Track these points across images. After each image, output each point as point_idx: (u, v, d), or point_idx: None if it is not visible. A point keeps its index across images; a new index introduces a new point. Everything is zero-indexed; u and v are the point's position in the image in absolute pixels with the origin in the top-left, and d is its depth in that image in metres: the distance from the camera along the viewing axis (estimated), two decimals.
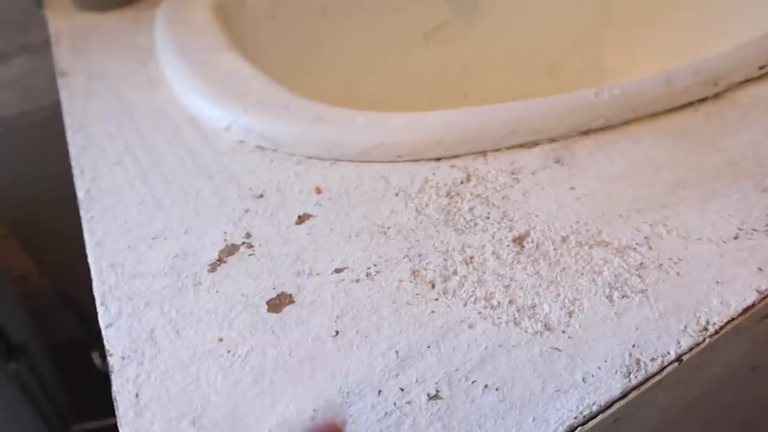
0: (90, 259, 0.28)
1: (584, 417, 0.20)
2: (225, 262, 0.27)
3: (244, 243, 0.28)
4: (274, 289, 0.26)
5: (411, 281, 0.25)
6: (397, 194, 0.29)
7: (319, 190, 0.30)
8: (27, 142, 0.70)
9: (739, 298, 0.24)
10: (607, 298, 0.24)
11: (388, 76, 0.59)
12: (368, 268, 0.26)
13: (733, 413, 0.33)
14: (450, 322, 0.24)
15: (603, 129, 0.32)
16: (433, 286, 0.25)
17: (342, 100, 0.35)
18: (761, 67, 0.34)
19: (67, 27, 0.49)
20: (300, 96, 0.35)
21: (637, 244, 0.26)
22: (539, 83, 0.63)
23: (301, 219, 0.29)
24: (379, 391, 0.22)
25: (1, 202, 0.74)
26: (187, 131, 0.35)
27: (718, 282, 0.24)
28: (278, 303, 0.25)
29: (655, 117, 0.33)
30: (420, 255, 0.26)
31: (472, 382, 0.21)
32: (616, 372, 0.22)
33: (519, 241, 0.27)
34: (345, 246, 0.27)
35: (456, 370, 0.22)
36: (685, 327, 0.23)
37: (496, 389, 0.21)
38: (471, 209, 0.28)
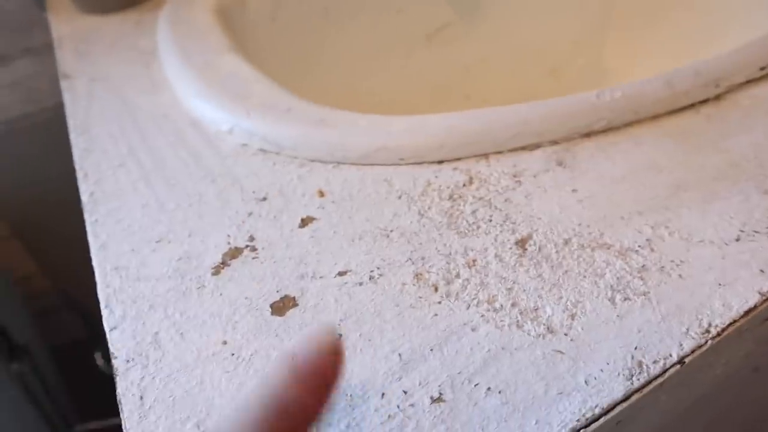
0: (94, 262, 0.28)
1: (587, 419, 0.21)
2: (228, 265, 0.27)
3: (247, 246, 0.28)
4: (277, 292, 0.26)
5: (414, 284, 0.25)
6: (399, 197, 0.30)
7: (322, 193, 0.30)
8: (29, 144, 0.70)
9: (740, 300, 0.24)
10: (609, 300, 0.24)
11: (390, 77, 0.59)
12: (371, 271, 0.26)
13: (735, 414, 0.33)
14: (453, 325, 0.24)
15: (604, 131, 0.32)
16: (436, 289, 0.25)
17: (344, 101, 0.35)
18: (762, 68, 0.34)
19: (70, 29, 0.49)
20: (302, 98, 0.35)
21: (639, 246, 0.26)
22: (541, 84, 0.63)
23: (305, 222, 0.29)
24: (383, 394, 0.22)
25: (3, 204, 0.74)
26: (190, 134, 0.35)
27: (720, 284, 0.24)
28: (282, 306, 0.25)
29: (657, 119, 0.33)
30: (423, 258, 0.26)
31: (475, 385, 0.22)
32: (619, 374, 0.22)
33: (521, 243, 0.27)
34: (348, 249, 0.27)
35: (459, 372, 0.22)
36: (687, 329, 0.23)
37: (499, 392, 0.21)
38: (473, 212, 0.28)
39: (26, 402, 0.63)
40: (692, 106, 0.34)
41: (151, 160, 0.34)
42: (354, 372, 0.22)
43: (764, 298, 0.24)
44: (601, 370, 0.22)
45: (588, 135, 0.32)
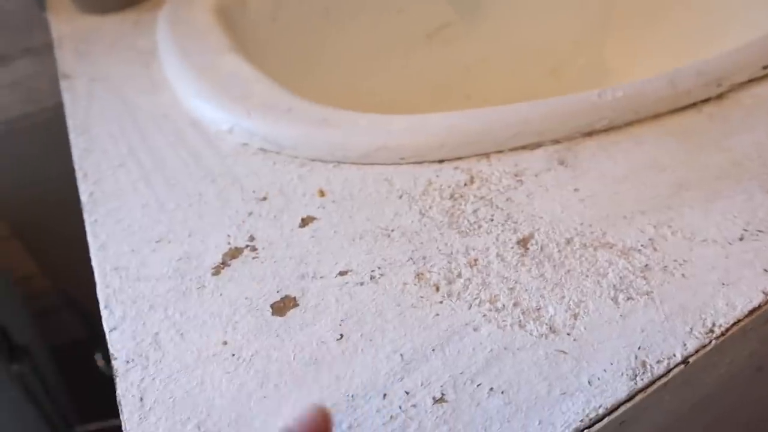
0: (94, 263, 0.28)
1: (590, 420, 0.20)
2: (229, 265, 0.27)
3: (247, 246, 0.28)
4: (278, 292, 0.26)
5: (415, 284, 0.25)
6: (400, 197, 0.29)
7: (322, 193, 0.30)
8: (29, 144, 0.70)
9: (744, 299, 0.24)
10: (612, 300, 0.24)
11: (390, 77, 0.58)
12: (372, 271, 0.26)
13: (739, 413, 0.33)
14: (455, 324, 0.23)
15: (606, 130, 0.32)
16: (438, 289, 0.25)
17: (344, 101, 0.35)
18: (765, 67, 0.34)
19: (70, 29, 0.49)
20: (302, 98, 0.35)
21: (641, 245, 0.26)
22: (542, 84, 0.63)
23: (305, 222, 0.29)
24: (384, 395, 0.21)
25: (4, 204, 0.74)
26: (190, 134, 0.35)
27: (723, 283, 0.24)
28: (282, 306, 0.25)
29: (659, 118, 0.33)
30: (424, 257, 0.26)
31: (478, 385, 0.21)
32: (622, 374, 0.21)
33: (523, 243, 0.27)
34: (349, 249, 0.27)
35: (461, 373, 0.22)
36: (691, 329, 0.23)
37: (502, 392, 0.21)
38: (475, 211, 0.28)
39: (26, 402, 0.63)
40: (694, 105, 0.34)
41: (151, 160, 0.34)
42: (355, 372, 0.22)
43: None
44: (605, 370, 0.22)
45: (590, 134, 0.32)
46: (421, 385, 0.22)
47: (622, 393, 0.21)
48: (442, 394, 0.21)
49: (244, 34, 0.46)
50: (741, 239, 0.26)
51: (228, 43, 0.42)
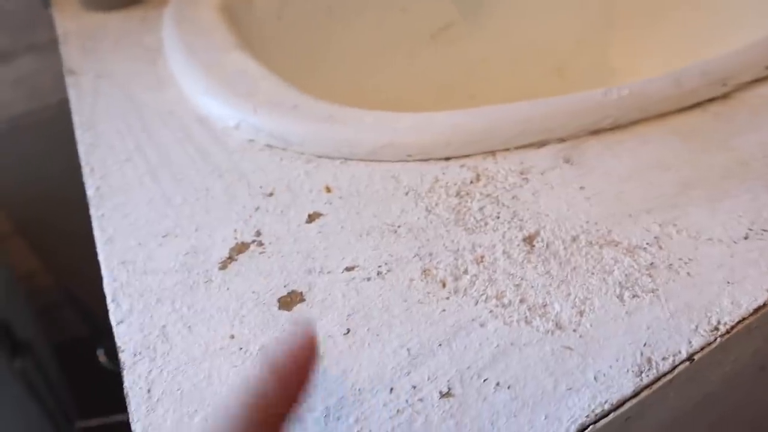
0: (100, 256, 0.28)
1: (596, 415, 0.20)
2: (236, 259, 0.27)
3: (254, 241, 0.28)
4: (285, 287, 0.26)
5: (422, 280, 0.25)
6: (407, 193, 0.29)
7: (329, 189, 0.30)
8: (33, 141, 0.70)
9: (750, 298, 0.24)
10: (617, 297, 0.24)
11: (394, 76, 0.59)
12: (379, 267, 0.26)
13: (743, 412, 0.33)
14: (461, 320, 0.24)
15: (612, 129, 0.32)
16: (444, 285, 0.25)
17: (348, 100, 0.35)
18: None
19: (75, 26, 0.49)
20: (308, 95, 0.35)
21: (647, 243, 0.26)
22: (546, 83, 0.63)
23: (312, 217, 0.29)
24: (391, 389, 0.22)
25: (7, 201, 0.74)
26: (196, 130, 0.35)
27: (728, 282, 0.24)
28: (289, 301, 0.25)
29: (664, 117, 0.33)
30: (431, 254, 0.26)
31: (484, 380, 0.22)
32: (628, 371, 0.22)
33: (529, 240, 0.27)
34: (356, 244, 0.27)
35: (468, 368, 0.22)
36: (696, 326, 0.23)
37: (508, 387, 0.21)
38: (481, 209, 0.28)
39: (29, 398, 0.63)
40: (700, 104, 0.34)
41: (157, 155, 0.34)
42: (362, 366, 0.22)
43: None
44: (610, 367, 0.22)
45: (595, 133, 0.32)
46: (428, 379, 0.22)
47: (628, 389, 0.21)
48: (449, 389, 0.21)
49: (249, 32, 0.46)
50: (746, 238, 0.26)
51: (234, 41, 0.42)
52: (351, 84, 0.55)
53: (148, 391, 0.22)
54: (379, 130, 0.31)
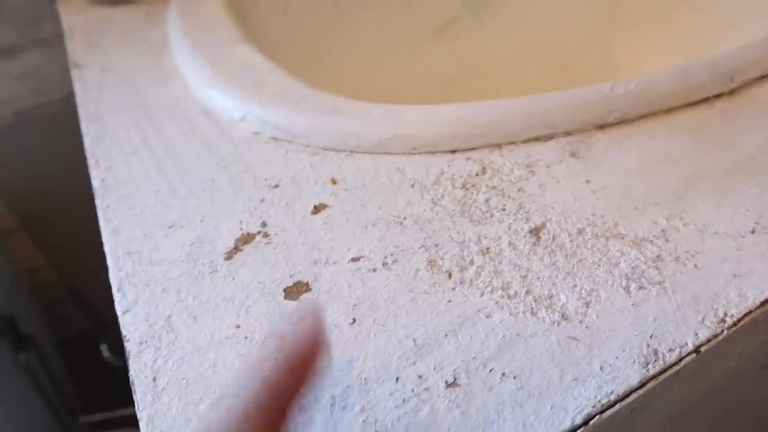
0: (106, 247, 0.28)
1: (602, 406, 0.20)
2: (241, 250, 0.27)
3: (260, 232, 0.28)
4: (290, 277, 0.26)
5: (428, 271, 0.25)
6: (412, 186, 0.29)
7: (334, 181, 0.30)
8: (38, 136, 0.71)
9: (756, 291, 0.24)
10: (624, 289, 0.24)
11: (398, 71, 0.59)
12: (385, 258, 0.26)
13: (748, 409, 0.33)
14: (467, 311, 0.24)
15: (618, 123, 0.32)
16: (450, 276, 0.25)
17: (353, 95, 0.35)
18: None
19: (80, 21, 0.49)
20: (314, 88, 0.35)
21: (653, 236, 0.26)
22: (550, 80, 0.63)
23: (317, 209, 0.29)
24: (397, 378, 0.22)
25: (11, 196, 0.74)
26: (201, 123, 0.35)
27: (735, 275, 0.24)
28: (295, 291, 0.25)
29: (671, 112, 0.33)
30: (436, 245, 0.26)
31: (490, 370, 0.22)
32: (634, 362, 0.22)
33: (535, 232, 0.27)
34: (361, 236, 0.27)
35: (474, 358, 0.22)
36: (703, 319, 0.23)
37: (514, 377, 0.21)
38: (487, 201, 0.28)
39: (33, 392, 0.63)
40: (706, 100, 0.34)
41: (163, 147, 0.34)
42: (368, 356, 0.22)
43: None
44: (617, 358, 0.22)
45: (602, 127, 0.32)
46: (434, 369, 0.22)
47: (634, 380, 0.21)
48: (455, 379, 0.21)
49: (254, 27, 0.46)
50: (753, 232, 0.26)
51: (239, 35, 0.42)
52: (355, 79, 0.55)
53: (154, 379, 0.23)
54: (385, 122, 0.31)
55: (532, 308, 0.23)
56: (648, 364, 0.21)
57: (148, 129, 0.36)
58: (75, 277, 0.82)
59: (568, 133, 0.32)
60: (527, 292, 0.24)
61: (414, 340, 0.23)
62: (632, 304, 0.23)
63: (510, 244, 0.26)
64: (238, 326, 0.24)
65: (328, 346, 0.18)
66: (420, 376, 0.22)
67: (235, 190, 0.30)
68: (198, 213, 0.29)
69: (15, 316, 0.62)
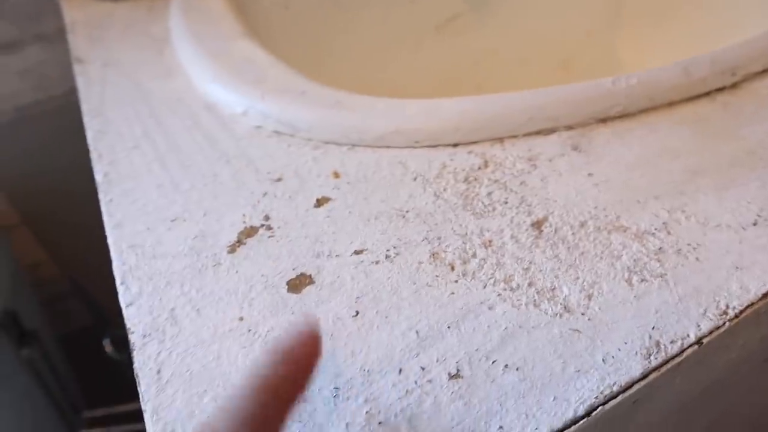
0: (109, 240, 0.28)
1: (605, 397, 0.21)
2: (244, 243, 0.27)
3: (263, 225, 0.28)
4: (293, 270, 0.26)
5: (430, 263, 0.25)
6: (415, 179, 0.30)
7: (337, 175, 0.30)
8: (40, 132, 0.71)
9: (758, 283, 0.24)
10: (626, 281, 0.24)
11: (400, 67, 0.59)
12: (387, 250, 0.26)
13: (750, 404, 0.33)
14: (470, 303, 0.24)
15: (620, 117, 0.32)
16: (453, 268, 0.25)
17: (355, 90, 0.35)
18: None
19: (83, 15, 0.49)
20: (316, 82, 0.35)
21: (655, 229, 0.26)
22: (552, 76, 0.63)
23: (320, 202, 0.29)
24: (400, 370, 0.22)
25: (13, 191, 0.74)
26: (204, 117, 0.36)
27: (737, 267, 0.24)
28: (298, 283, 0.25)
29: (673, 106, 0.33)
30: (439, 238, 0.26)
31: (493, 362, 0.22)
32: (636, 353, 0.22)
33: (537, 225, 0.27)
34: (364, 229, 0.27)
35: (476, 350, 0.22)
36: (705, 310, 0.23)
37: (517, 369, 0.21)
38: (489, 194, 0.28)
39: (36, 387, 0.63)
40: (708, 94, 0.34)
41: (165, 142, 0.34)
42: (371, 348, 0.22)
43: None
44: (619, 349, 0.22)
45: (604, 121, 0.32)
46: (437, 361, 0.22)
47: (636, 371, 0.21)
48: (458, 370, 0.21)
49: (256, 21, 0.46)
50: (755, 224, 0.26)
51: (241, 30, 0.42)
52: (357, 74, 0.55)
53: (158, 372, 0.23)
54: (387, 116, 0.31)
55: (534, 300, 0.24)
56: (650, 355, 0.22)
57: (151, 123, 0.36)
58: (77, 273, 0.82)
59: (569, 127, 0.32)
60: (530, 285, 0.24)
61: (417, 332, 0.23)
62: (634, 296, 0.23)
63: (512, 236, 0.26)
64: (241, 318, 0.24)
65: (322, 347, 0.19)
66: (423, 368, 0.22)
67: (237, 184, 0.30)
68: (201, 207, 0.29)
69: (17, 311, 0.62)
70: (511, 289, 0.24)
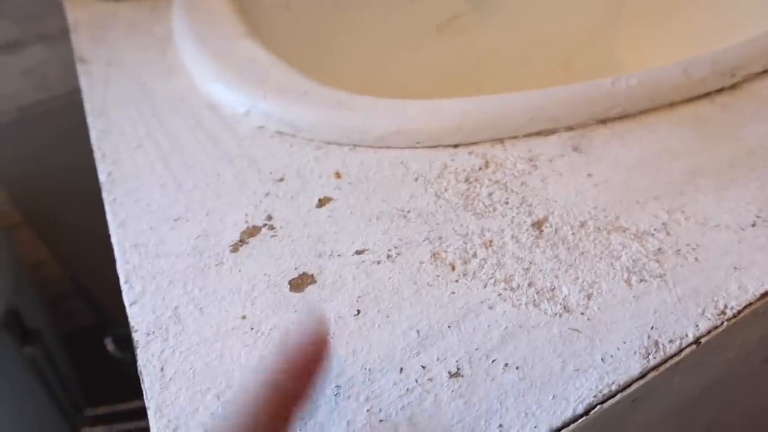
0: (113, 239, 0.29)
1: (603, 396, 0.21)
2: (247, 243, 0.27)
3: (265, 225, 0.28)
4: (296, 269, 0.26)
5: (431, 263, 0.26)
6: (416, 179, 0.30)
7: (338, 175, 0.30)
8: (42, 131, 0.71)
9: (757, 283, 0.24)
10: (625, 281, 0.24)
11: (401, 67, 0.59)
12: (389, 250, 0.26)
13: (749, 405, 0.33)
14: (470, 303, 0.24)
15: (620, 118, 0.32)
16: (453, 268, 0.25)
17: (356, 90, 0.35)
18: None
19: (86, 15, 0.50)
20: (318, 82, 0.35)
21: (655, 229, 0.26)
22: (553, 76, 0.63)
23: (322, 202, 0.29)
24: (401, 369, 0.22)
25: (16, 190, 0.75)
26: (206, 117, 0.36)
27: (736, 268, 0.25)
28: (300, 283, 0.25)
29: (672, 107, 0.33)
30: (440, 238, 0.27)
31: (493, 361, 0.22)
32: (635, 353, 0.22)
33: (538, 225, 0.27)
34: (365, 229, 0.27)
35: (476, 349, 0.22)
36: (703, 311, 0.23)
37: (517, 368, 0.22)
38: (490, 194, 0.29)
39: (38, 386, 0.63)
40: (708, 95, 0.34)
41: (168, 142, 0.34)
42: (372, 347, 0.23)
43: None
44: (618, 349, 0.22)
45: (603, 122, 0.32)
46: (437, 360, 0.22)
47: (635, 370, 0.21)
48: (458, 369, 0.22)
49: (258, 21, 0.46)
50: (754, 225, 0.26)
51: (243, 29, 0.42)
52: (358, 74, 0.55)
53: (161, 369, 0.23)
54: (388, 116, 0.32)
55: (534, 300, 0.24)
56: (649, 355, 0.22)
57: (154, 123, 0.36)
58: (79, 272, 0.83)
59: (570, 128, 0.32)
60: (530, 285, 0.24)
61: (417, 331, 0.23)
62: (633, 297, 0.24)
63: (513, 237, 0.26)
64: (244, 317, 0.24)
65: (330, 346, 0.19)
66: (423, 367, 0.22)
67: (240, 183, 0.31)
68: (203, 206, 0.30)
69: (20, 310, 0.63)
70: (512, 289, 0.24)
